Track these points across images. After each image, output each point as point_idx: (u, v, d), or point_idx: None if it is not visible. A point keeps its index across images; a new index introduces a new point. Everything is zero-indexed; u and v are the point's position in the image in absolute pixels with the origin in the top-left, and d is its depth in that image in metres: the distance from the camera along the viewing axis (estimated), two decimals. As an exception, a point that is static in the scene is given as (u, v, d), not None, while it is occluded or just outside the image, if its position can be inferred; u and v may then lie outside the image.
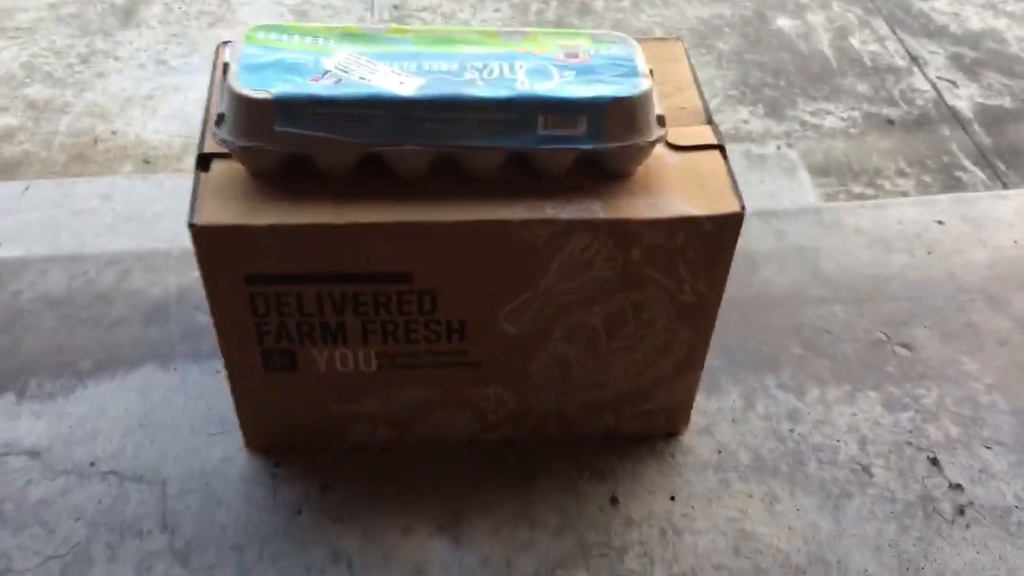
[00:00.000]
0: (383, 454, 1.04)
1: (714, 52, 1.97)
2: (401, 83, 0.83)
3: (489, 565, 0.97)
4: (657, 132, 0.86)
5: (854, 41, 2.03)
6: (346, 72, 0.83)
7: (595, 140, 0.84)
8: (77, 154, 1.66)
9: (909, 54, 1.99)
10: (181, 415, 1.07)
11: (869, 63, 1.97)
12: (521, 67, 0.85)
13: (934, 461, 1.07)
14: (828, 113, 1.82)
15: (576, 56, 0.87)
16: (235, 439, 1.05)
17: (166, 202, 1.46)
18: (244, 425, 1.02)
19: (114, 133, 1.72)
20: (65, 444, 1.04)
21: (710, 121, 0.95)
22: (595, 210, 0.86)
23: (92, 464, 1.03)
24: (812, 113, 1.82)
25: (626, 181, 0.88)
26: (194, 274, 0.88)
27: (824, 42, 2.02)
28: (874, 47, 2.02)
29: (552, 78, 0.84)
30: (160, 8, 2.06)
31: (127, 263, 1.23)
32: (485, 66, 0.85)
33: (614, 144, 0.84)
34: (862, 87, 1.90)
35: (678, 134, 0.92)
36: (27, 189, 1.49)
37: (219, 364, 0.98)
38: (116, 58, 1.91)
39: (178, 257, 1.24)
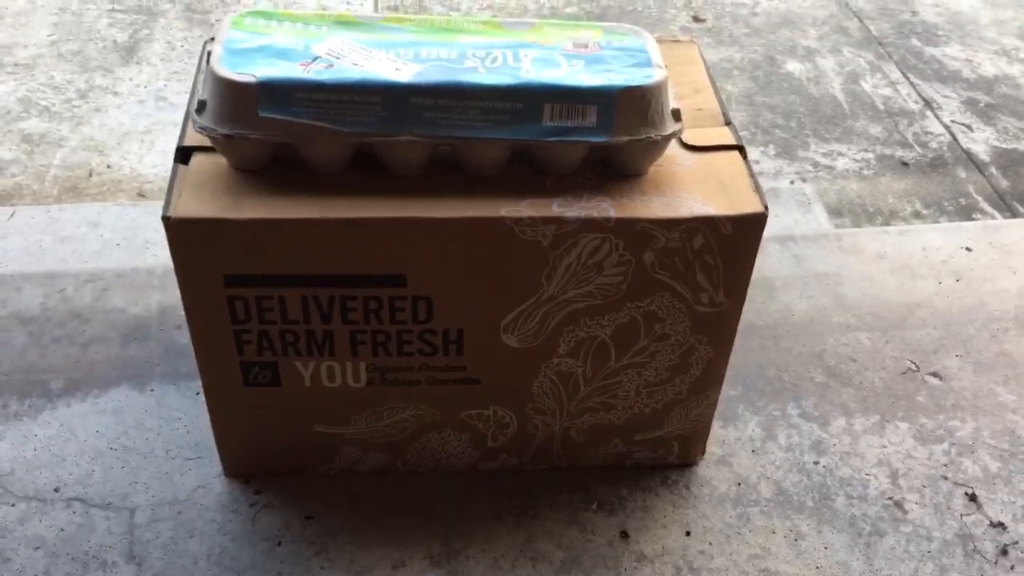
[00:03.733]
0: (372, 481, 0.96)
1: (723, 94, 1.92)
2: (397, 69, 0.77)
3: (486, 604, 0.88)
4: (672, 126, 0.80)
5: (866, 85, 2.00)
6: (338, 58, 0.78)
7: (605, 133, 0.78)
8: (70, 187, 1.61)
9: (922, 98, 1.95)
10: (156, 439, 0.99)
11: (881, 106, 1.93)
12: (526, 55, 0.80)
13: (972, 497, 0.99)
14: (840, 155, 1.77)
15: (585, 47, 0.82)
16: (213, 465, 0.97)
17: (159, 228, 1.40)
18: (221, 448, 0.94)
19: (109, 167, 1.67)
20: (28, 468, 0.96)
21: (728, 123, 0.89)
22: (606, 208, 0.79)
23: (56, 490, 0.95)
24: (824, 154, 1.77)
25: (639, 180, 0.82)
26: (178, 292, 0.81)
27: (835, 86, 1.99)
28: (886, 91, 1.98)
29: (559, 67, 0.79)
30: (162, 46, 2.03)
31: (106, 281, 1.17)
32: (488, 54, 0.80)
33: (625, 137, 0.78)
34: (875, 129, 1.85)
35: (695, 135, 0.87)
36: (12, 215, 1.43)
37: (199, 386, 0.90)
38: (115, 93, 1.87)
39: (162, 275, 1.17)
